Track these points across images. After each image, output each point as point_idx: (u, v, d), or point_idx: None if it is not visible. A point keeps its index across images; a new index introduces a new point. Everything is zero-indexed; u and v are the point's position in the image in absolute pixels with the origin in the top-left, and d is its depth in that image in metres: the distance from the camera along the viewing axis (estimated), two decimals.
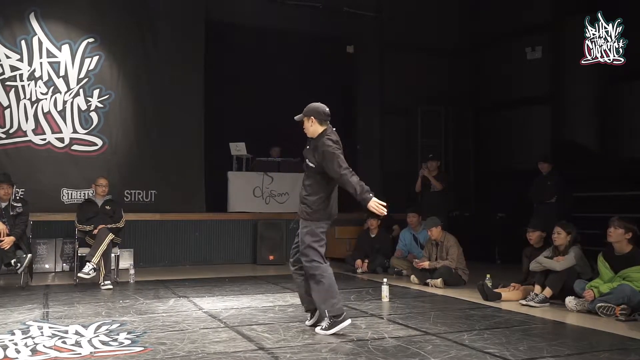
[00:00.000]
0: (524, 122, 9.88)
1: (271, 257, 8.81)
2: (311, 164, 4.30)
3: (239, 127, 9.52)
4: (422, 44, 10.56)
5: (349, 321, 4.18)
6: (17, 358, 3.58)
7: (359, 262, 7.87)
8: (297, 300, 5.60)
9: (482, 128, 10.68)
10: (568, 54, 8.90)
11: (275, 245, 8.87)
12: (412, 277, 6.84)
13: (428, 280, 6.59)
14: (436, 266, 6.63)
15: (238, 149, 9.33)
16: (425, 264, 6.67)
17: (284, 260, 8.82)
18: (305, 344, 3.92)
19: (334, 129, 4.39)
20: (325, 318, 4.17)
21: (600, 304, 4.88)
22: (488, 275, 5.89)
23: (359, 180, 4.09)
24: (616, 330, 4.38)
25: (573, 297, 5.20)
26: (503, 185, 9.66)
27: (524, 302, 5.44)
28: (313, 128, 4.34)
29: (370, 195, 4.02)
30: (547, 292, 5.40)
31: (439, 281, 6.47)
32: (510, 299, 5.62)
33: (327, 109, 4.37)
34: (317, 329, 4.22)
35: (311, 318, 4.44)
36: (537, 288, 5.49)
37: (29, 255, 6.33)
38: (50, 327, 4.38)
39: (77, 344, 3.91)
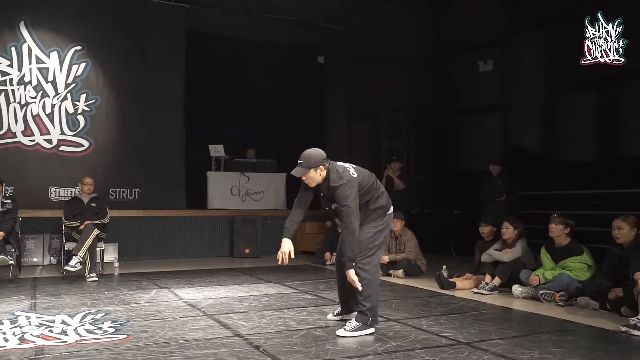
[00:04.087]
0: (477, 128, 10.03)
1: (247, 251, 8.77)
2: (334, 206, 3.83)
3: (218, 130, 9.45)
4: (386, 56, 10.63)
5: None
6: (5, 346, 3.48)
7: (327, 255, 7.88)
8: (271, 290, 5.61)
9: (440, 133, 10.81)
10: (517, 67, 9.10)
11: (251, 239, 8.83)
12: None
13: (390, 271, 6.64)
14: (397, 259, 6.70)
15: (217, 150, 9.27)
16: (386, 259, 6.72)
17: (259, 253, 8.80)
18: (278, 330, 3.92)
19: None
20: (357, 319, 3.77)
21: (542, 291, 5.01)
22: (444, 266, 5.96)
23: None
24: (556, 314, 4.49)
25: (519, 285, 5.31)
26: (458, 185, 9.78)
27: (476, 290, 5.54)
28: (320, 176, 3.81)
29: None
30: (497, 281, 5.50)
31: (400, 272, 6.53)
32: (464, 287, 5.71)
33: (321, 151, 3.84)
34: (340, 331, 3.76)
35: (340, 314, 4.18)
36: (488, 277, 5.60)
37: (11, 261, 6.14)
38: (37, 317, 4.28)
39: (64, 332, 3.84)
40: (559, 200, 7.94)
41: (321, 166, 3.79)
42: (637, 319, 3.89)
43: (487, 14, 9.73)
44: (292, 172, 3.83)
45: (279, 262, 3.81)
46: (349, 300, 4.09)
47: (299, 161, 3.82)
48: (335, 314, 4.25)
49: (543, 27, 8.72)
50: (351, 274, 3.73)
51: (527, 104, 8.93)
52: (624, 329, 3.88)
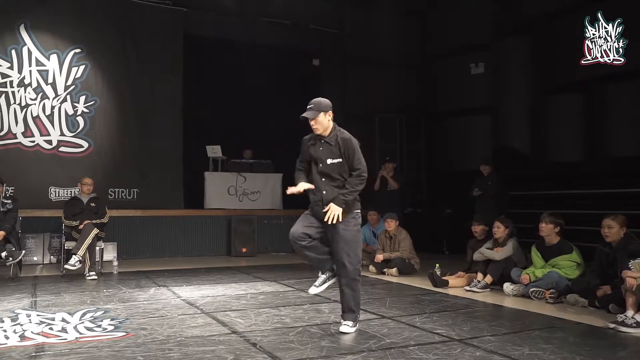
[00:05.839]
0: (468, 129, 10.04)
1: (244, 250, 8.75)
2: (336, 160, 3.76)
3: (215, 131, 9.43)
4: (379, 59, 10.64)
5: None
6: (5, 344, 3.46)
7: None
8: (268, 288, 5.60)
9: (432, 134, 10.83)
10: (506, 69, 9.12)
11: (248, 238, 8.81)
12: (371, 267, 6.88)
13: (384, 270, 6.64)
14: (391, 257, 6.69)
15: (214, 151, 9.24)
16: (381, 257, 6.73)
17: (255, 252, 8.79)
18: (274, 327, 3.91)
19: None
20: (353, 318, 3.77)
21: (532, 289, 5.02)
22: (437, 265, 5.97)
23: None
24: (546, 312, 4.50)
25: (510, 283, 5.32)
26: (450, 185, 9.79)
27: (468, 288, 5.54)
28: (329, 122, 3.81)
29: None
30: (488, 279, 5.51)
31: (394, 270, 6.53)
32: (456, 285, 5.71)
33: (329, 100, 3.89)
34: (343, 328, 3.73)
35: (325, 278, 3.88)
36: (480, 275, 5.61)
37: (23, 252, 6.24)
38: (38, 315, 4.25)
39: (64, 330, 3.81)
40: (548, 200, 7.96)
41: (330, 111, 3.81)
42: (625, 315, 3.91)
43: (477, 18, 9.75)
44: (304, 114, 3.79)
45: (288, 192, 3.83)
46: (322, 262, 3.84)
47: (308, 106, 3.81)
48: (317, 284, 3.87)
49: (531, 30, 8.75)
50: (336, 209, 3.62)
51: (516, 105, 8.95)
52: (611, 325, 3.89)
